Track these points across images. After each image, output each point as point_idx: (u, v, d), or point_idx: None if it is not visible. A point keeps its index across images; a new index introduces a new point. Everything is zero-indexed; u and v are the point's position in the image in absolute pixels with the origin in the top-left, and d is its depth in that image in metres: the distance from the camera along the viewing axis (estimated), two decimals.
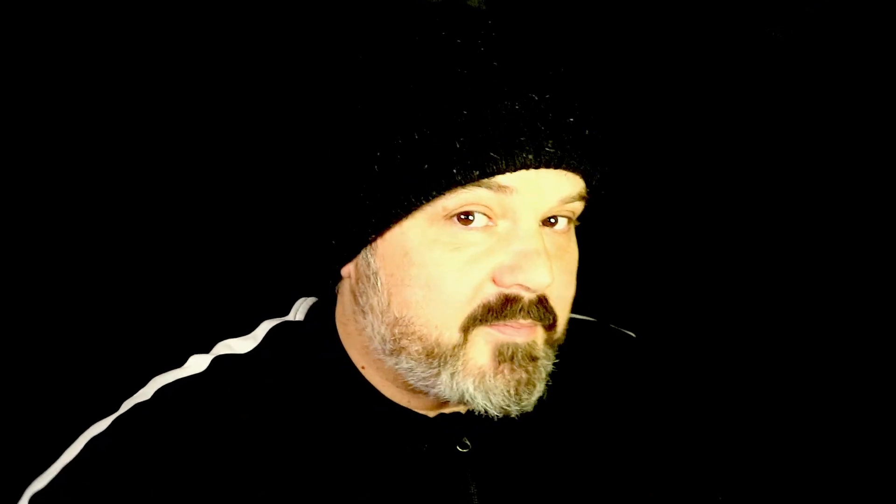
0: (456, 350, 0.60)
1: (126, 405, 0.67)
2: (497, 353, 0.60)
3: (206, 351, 0.72)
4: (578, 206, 0.63)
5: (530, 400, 0.61)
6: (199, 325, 0.92)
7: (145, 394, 0.67)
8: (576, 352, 0.72)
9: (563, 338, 0.65)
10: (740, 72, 1.13)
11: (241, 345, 0.72)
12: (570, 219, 0.64)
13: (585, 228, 0.68)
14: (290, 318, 0.76)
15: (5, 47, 0.93)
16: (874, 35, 1.09)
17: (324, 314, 0.73)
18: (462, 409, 0.70)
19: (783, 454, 1.05)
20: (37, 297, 0.96)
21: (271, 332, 0.73)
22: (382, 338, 0.63)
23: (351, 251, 0.64)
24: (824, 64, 1.11)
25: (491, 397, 0.60)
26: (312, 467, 0.65)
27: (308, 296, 0.79)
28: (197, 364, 0.70)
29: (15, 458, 0.86)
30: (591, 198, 0.65)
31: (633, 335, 0.86)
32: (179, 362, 0.72)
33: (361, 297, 0.64)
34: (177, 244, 0.97)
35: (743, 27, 1.11)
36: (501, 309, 0.59)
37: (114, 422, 0.65)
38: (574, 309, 0.66)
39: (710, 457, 0.80)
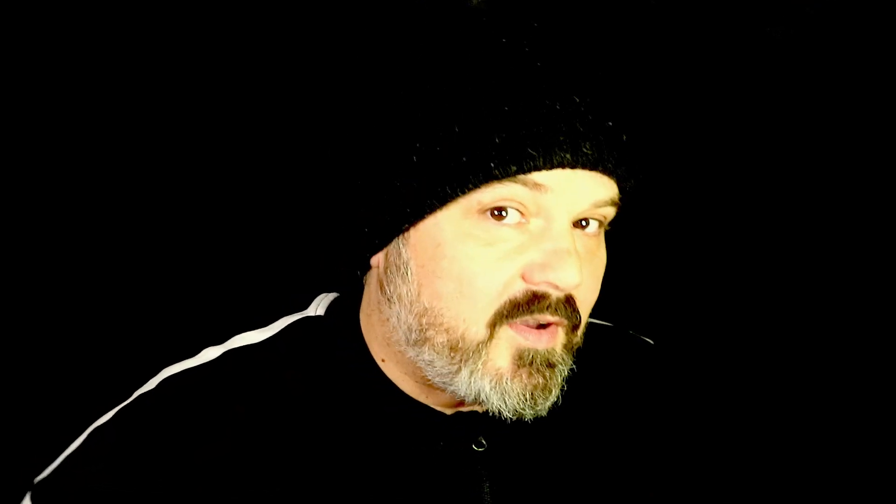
0: (479, 347, 0.60)
1: (133, 396, 0.67)
2: (517, 358, 0.61)
3: (222, 342, 0.71)
4: (610, 212, 0.64)
5: (545, 405, 0.62)
6: (219, 320, 0.91)
7: (151, 384, 0.67)
8: (594, 356, 0.72)
9: (581, 342, 0.65)
10: (746, 75, 1.13)
11: (255, 336, 0.72)
12: (601, 223, 0.64)
13: (608, 233, 0.68)
14: (309, 312, 0.75)
15: (5, 47, 0.92)
16: (874, 35, 1.08)
17: (346, 308, 0.73)
18: (479, 409, 0.70)
19: (799, 462, 1.05)
20: (55, 292, 0.95)
21: (289, 326, 0.73)
22: (409, 327, 0.63)
23: (384, 240, 0.64)
24: (824, 64, 1.10)
25: (506, 399, 0.61)
26: (325, 461, 0.64)
27: (328, 292, 0.78)
28: (208, 355, 0.70)
29: (26, 450, 0.85)
30: (623, 205, 0.65)
31: (651, 342, 0.85)
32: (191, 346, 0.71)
33: (389, 285, 0.64)
34: (198, 238, 0.96)
35: (743, 27, 1.11)
36: (528, 305, 0.59)
37: (117, 412, 0.65)
38: (593, 314, 0.67)
39: (723, 463, 0.80)
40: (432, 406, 0.69)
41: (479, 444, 0.68)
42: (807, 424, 1.08)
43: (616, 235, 0.69)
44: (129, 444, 0.62)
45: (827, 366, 1.11)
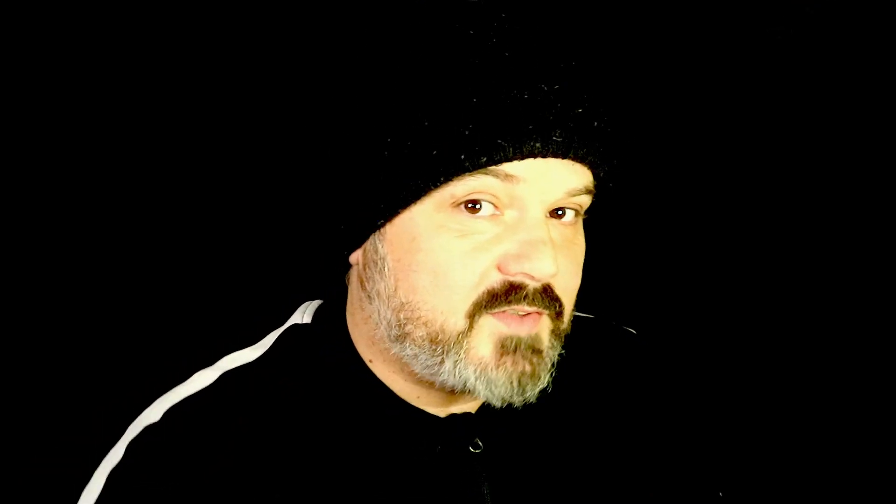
0: (460, 338, 0.60)
1: (134, 429, 0.65)
2: (500, 346, 0.60)
3: (210, 363, 0.71)
4: (585, 200, 0.64)
5: (534, 392, 0.62)
6: (197, 328, 0.90)
7: (152, 415, 0.65)
8: (579, 349, 0.72)
9: (569, 328, 0.65)
10: (741, 71, 1.13)
11: (248, 355, 0.71)
12: (577, 212, 0.64)
13: (587, 225, 0.68)
14: (296, 320, 0.75)
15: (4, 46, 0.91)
16: (874, 35, 1.09)
17: (332, 313, 0.72)
18: (472, 409, 0.70)
19: (783, 451, 1.05)
20: (29, 304, 0.93)
21: (279, 339, 0.73)
22: (388, 323, 0.63)
23: (360, 236, 0.64)
24: (824, 64, 1.11)
25: (492, 388, 0.61)
26: (326, 471, 0.64)
27: (311, 299, 0.78)
28: (203, 379, 0.68)
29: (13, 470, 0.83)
30: (598, 192, 0.65)
31: (634, 332, 0.86)
32: (176, 367, 0.70)
33: (368, 282, 0.65)
34: (171, 246, 0.94)
35: (742, 27, 1.11)
36: (506, 295, 0.59)
37: (127, 449, 0.63)
38: (575, 306, 0.67)
39: (710, 453, 0.80)
40: (426, 408, 0.69)
41: (476, 446, 0.68)
42: (790, 417, 1.09)
43: (599, 227, 0.69)
44: (149, 485, 0.61)
45: (811, 357, 1.12)
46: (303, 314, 0.75)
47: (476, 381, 0.60)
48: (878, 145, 1.11)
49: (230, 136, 0.95)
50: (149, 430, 0.64)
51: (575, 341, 0.67)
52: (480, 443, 0.68)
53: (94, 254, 0.92)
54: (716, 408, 0.86)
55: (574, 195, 0.61)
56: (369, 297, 0.65)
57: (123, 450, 0.63)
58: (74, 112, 0.93)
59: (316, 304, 0.76)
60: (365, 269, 0.65)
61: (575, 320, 0.68)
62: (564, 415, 0.72)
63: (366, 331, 0.68)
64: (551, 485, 0.69)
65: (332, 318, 0.72)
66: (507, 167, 0.58)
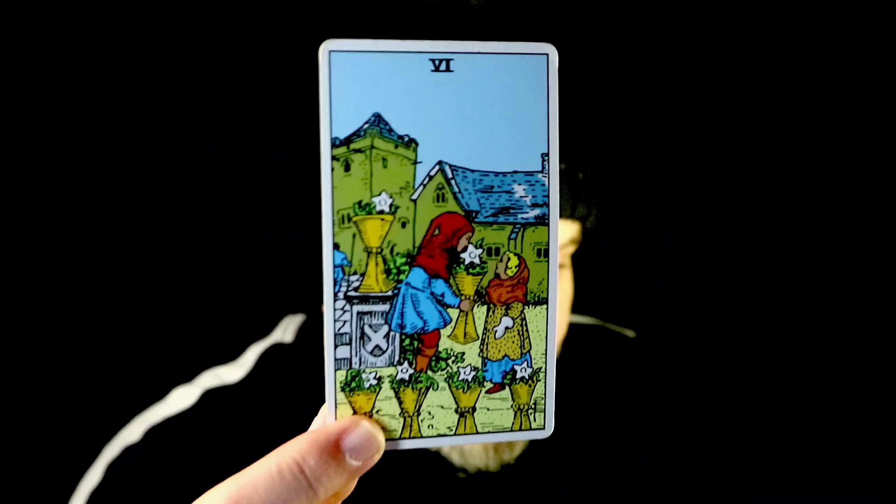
0: None
1: (112, 449, 0.65)
2: None
3: (188, 379, 0.70)
4: (571, 249, 0.63)
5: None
6: (172, 341, 0.89)
7: (132, 435, 0.65)
8: (575, 356, 0.72)
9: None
10: (740, 71, 1.11)
11: (229, 373, 0.70)
12: (562, 264, 0.63)
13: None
14: (276, 338, 0.74)
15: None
16: (874, 35, 1.07)
17: (315, 334, 0.71)
18: None
19: (782, 452, 1.07)
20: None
21: (262, 358, 0.72)
22: None
23: None
24: (824, 63, 1.09)
25: None
26: None
27: (291, 311, 0.77)
28: (183, 398, 0.68)
29: None
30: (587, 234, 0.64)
31: (632, 334, 0.86)
32: (152, 383, 0.69)
33: None
34: (142, 254, 0.92)
35: (743, 26, 1.09)
36: None
37: (108, 470, 0.63)
38: (575, 308, 0.66)
39: (709, 456, 0.81)
40: None
41: (465, 472, 0.68)
42: (789, 419, 1.10)
43: (597, 230, 0.69)
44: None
45: (810, 358, 1.13)
46: (284, 331, 0.75)
47: None
48: (879, 145, 1.10)
49: (209, 142, 0.92)
50: (129, 450, 0.64)
51: (571, 349, 0.67)
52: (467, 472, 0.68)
53: (66, 265, 0.90)
54: (713, 410, 0.87)
55: (560, 248, 0.61)
56: None
57: (103, 471, 0.63)
58: (51, 121, 0.90)
59: (298, 319, 0.76)
60: None
61: (571, 328, 0.68)
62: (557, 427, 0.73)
63: None
64: (553, 491, 0.70)
65: (316, 338, 0.71)
66: None
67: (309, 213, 0.69)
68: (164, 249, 0.92)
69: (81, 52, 0.89)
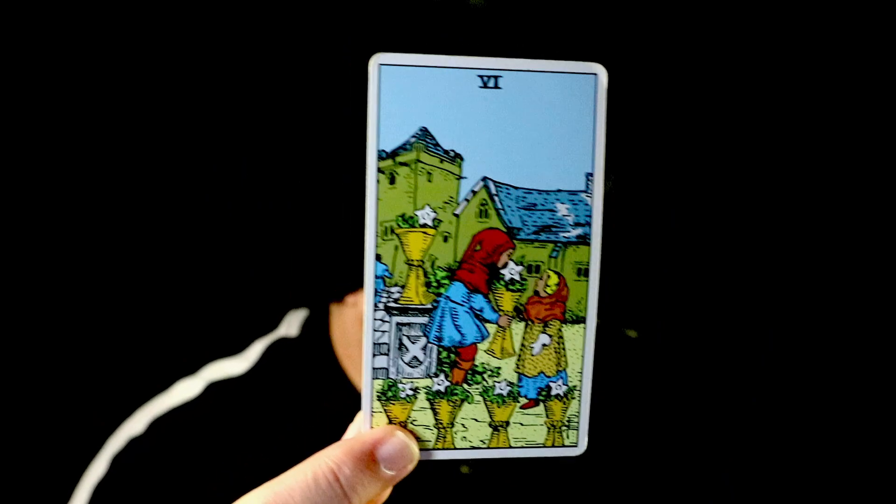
0: None
1: (117, 441, 0.64)
2: None
3: (191, 372, 0.70)
4: None
5: None
6: (174, 335, 0.88)
7: (136, 427, 0.65)
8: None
9: None
10: (740, 71, 1.11)
11: (233, 366, 0.70)
12: None
13: None
14: (281, 333, 0.74)
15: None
16: (874, 35, 1.08)
17: (320, 328, 0.71)
18: None
19: (785, 454, 1.08)
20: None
21: (267, 352, 0.71)
22: None
23: None
24: (824, 63, 1.09)
25: None
26: None
27: (294, 305, 0.76)
28: (187, 390, 0.67)
29: None
30: None
31: (635, 335, 0.86)
32: (155, 376, 0.69)
33: None
34: (147, 248, 0.91)
35: (743, 26, 1.09)
36: None
37: (113, 462, 0.63)
38: None
39: (713, 457, 0.82)
40: None
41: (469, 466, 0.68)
42: (793, 419, 1.11)
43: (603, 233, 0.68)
44: (137, 499, 0.61)
45: (813, 359, 1.14)
46: (288, 326, 0.74)
47: None
48: (879, 145, 1.11)
49: (220, 137, 0.91)
50: (134, 442, 0.63)
51: None
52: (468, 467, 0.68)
53: (70, 258, 0.89)
54: (718, 410, 0.88)
55: None
56: None
57: (108, 463, 0.63)
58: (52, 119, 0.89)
59: (303, 313, 0.75)
60: None
61: None
62: None
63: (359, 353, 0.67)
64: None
65: (321, 333, 0.71)
66: None
67: (315, 210, 0.69)
68: (169, 245, 0.91)
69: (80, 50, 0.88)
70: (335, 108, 0.63)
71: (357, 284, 0.62)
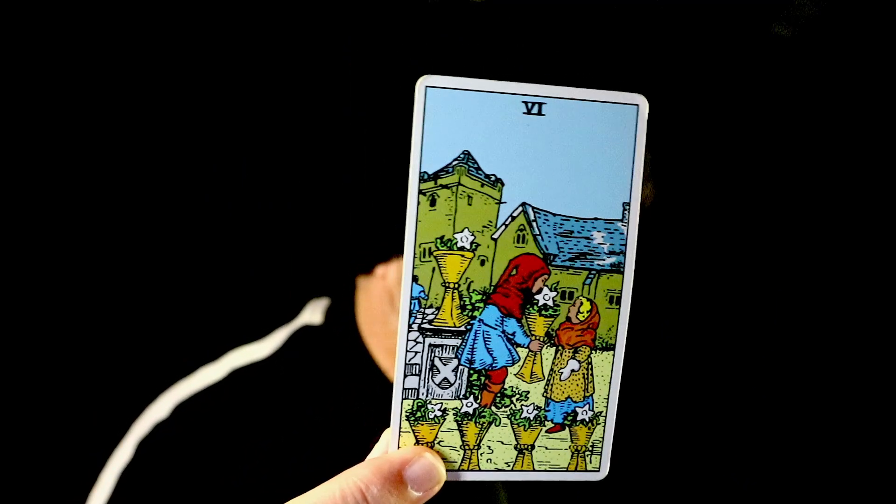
0: None
1: (142, 426, 0.65)
2: None
3: (214, 358, 0.71)
4: None
5: None
6: (197, 323, 0.89)
7: (160, 412, 0.65)
8: None
9: None
10: (740, 70, 1.10)
11: (256, 351, 0.71)
12: None
13: None
14: (305, 320, 0.74)
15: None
16: (874, 35, 1.06)
17: (344, 315, 0.71)
18: None
19: (787, 454, 1.08)
20: (28, 301, 0.90)
21: (291, 338, 0.72)
22: None
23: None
24: (824, 63, 1.08)
25: None
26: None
27: (318, 296, 0.77)
28: (210, 375, 0.68)
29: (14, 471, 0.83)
30: None
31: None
32: (179, 363, 0.70)
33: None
34: (172, 238, 0.92)
35: (743, 25, 1.08)
36: None
37: (138, 447, 0.64)
38: None
39: (715, 456, 0.82)
40: None
41: None
42: (794, 419, 1.11)
43: None
44: (163, 483, 0.62)
45: (813, 360, 1.14)
46: (312, 313, 0.75)
47: None
48: (879, 145, 1.10)
49: (242, 127, 0.92)
50: (158, 427, 0.64)
51: None
52: None
53: (96, 247, 0.89)
54: (718, 410, 0.88)
55: None
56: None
57: (133, 448, 0.64)
58: (75, 108, 0.89)
59: (325, 302, 0.76)
60: (397, 284, 0.63)
61: None
62: None
63: (389, 346, 0.67)
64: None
65: (345, 320, 0.70)
66: None
67: (333, 205, 0.70)
68: (196, 232, 0.92)
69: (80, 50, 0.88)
70: (373, 121, 0.63)
71: (386, 256, 0.64)
